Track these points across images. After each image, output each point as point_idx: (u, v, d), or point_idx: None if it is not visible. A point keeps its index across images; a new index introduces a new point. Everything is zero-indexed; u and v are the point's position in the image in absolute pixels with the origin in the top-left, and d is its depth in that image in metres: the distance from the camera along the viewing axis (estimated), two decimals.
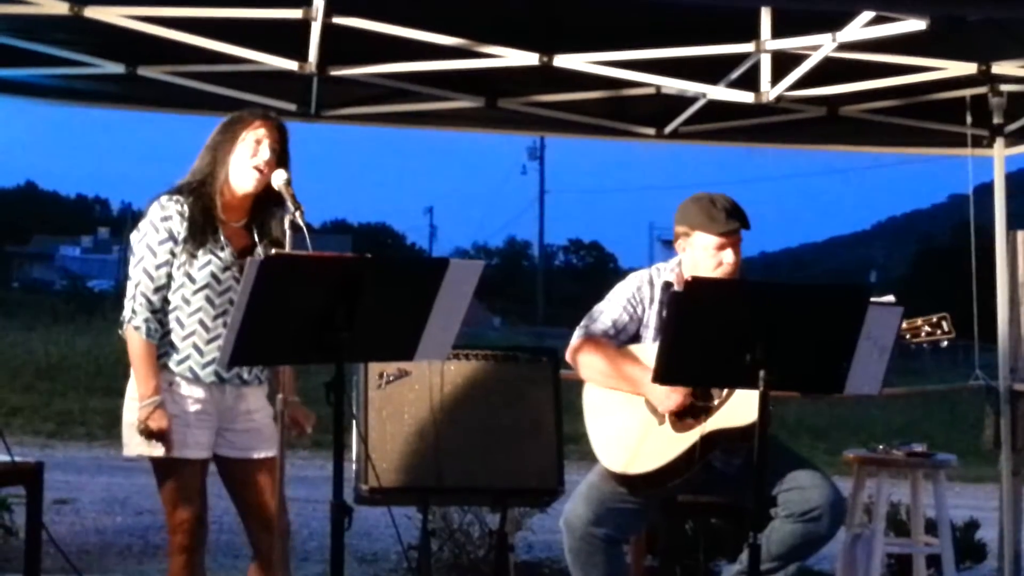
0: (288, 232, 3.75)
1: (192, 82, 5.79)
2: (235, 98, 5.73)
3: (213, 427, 3.92)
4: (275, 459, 3.96)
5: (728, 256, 4.24)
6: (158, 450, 3.81)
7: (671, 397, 4.09)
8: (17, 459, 4.42)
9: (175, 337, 3.88)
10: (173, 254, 3.86)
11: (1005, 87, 5.80)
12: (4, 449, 4.34)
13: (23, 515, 4.64)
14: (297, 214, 3.77)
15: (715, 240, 4.23)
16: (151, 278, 3.86)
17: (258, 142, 3.89)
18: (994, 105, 5.92)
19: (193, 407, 3.88)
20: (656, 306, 4.37)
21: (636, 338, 4.38)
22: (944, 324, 4.06)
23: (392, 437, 4.86)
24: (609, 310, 4.39)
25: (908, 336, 4.05)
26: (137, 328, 3.85)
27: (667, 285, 4.37)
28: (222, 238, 3.89)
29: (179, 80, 5.78)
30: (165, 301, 3.88)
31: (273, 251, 3.86)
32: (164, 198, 3.90)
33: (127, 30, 4.94)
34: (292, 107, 6.02)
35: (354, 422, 4.69)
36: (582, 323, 4.41)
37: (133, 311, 3.86)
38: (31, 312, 27.12)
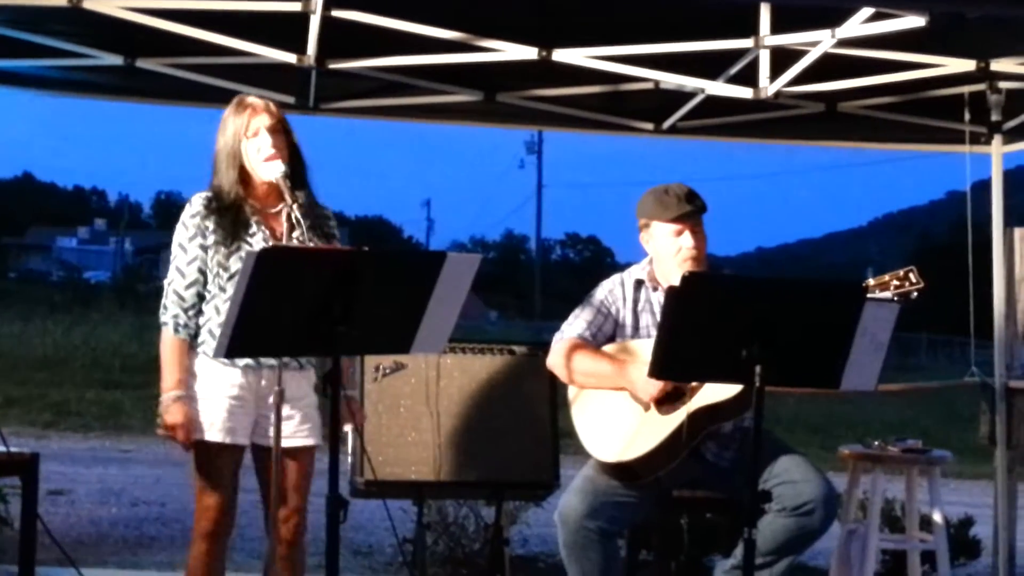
0: (284, 225, 3.79)
1: (190, 74, 5.78)
2: (233, 90, 5.70)
3: (251, 414, 3.93)
4: (311, 449, 3.97)
5: (687, 240, 4.25)
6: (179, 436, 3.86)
7: (652, 384, 4.10)
8: (13, 450, 4.42)
9: (212, 324, 3.91)
10: (203, 248, 3.90)
11: (1003, 84, 5.80)
12: (0, 439, 4.34)
13: (18, 506, 4.64)
14: (294, 207, 3.80)
15: (671, 227, 4.26)
16: (182, 275, 3.91)
17: (255, 134, 3.91)
18: (992, 102, 5.93)
19: (230, 391, 3.91)
20: (630, 304, 4.39)
21: (612, 339, 4.39)
22: (912, 276, 4.04)
23: (388, 430, 4.88)
24: (583, 315, 4.40)
25: (878, 292, 4.05)
26: (165, 324, 3.92)
27: (638, 283, 4.39)
28: (254, 226, 3.92)
29: (177, 72, 5.77)
30: (200, 296, 3.92)
31: (271, 243, 3.88)
32: (195, 196, 3.97)
33: (125, 22, 4.93)
34: (291, 100, 6.02)
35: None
36: (559, 331, 4.42)
37: (164, 307, 3.93)
38: (27, 303, 27.12)
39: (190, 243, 3.92)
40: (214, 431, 3.89)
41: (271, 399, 3.89)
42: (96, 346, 19.47)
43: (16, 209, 62.56)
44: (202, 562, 3.95)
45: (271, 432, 3.91)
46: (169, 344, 3.91)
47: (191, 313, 3.91)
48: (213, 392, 3.90)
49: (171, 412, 3.85)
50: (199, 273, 3.91)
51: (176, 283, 3.92)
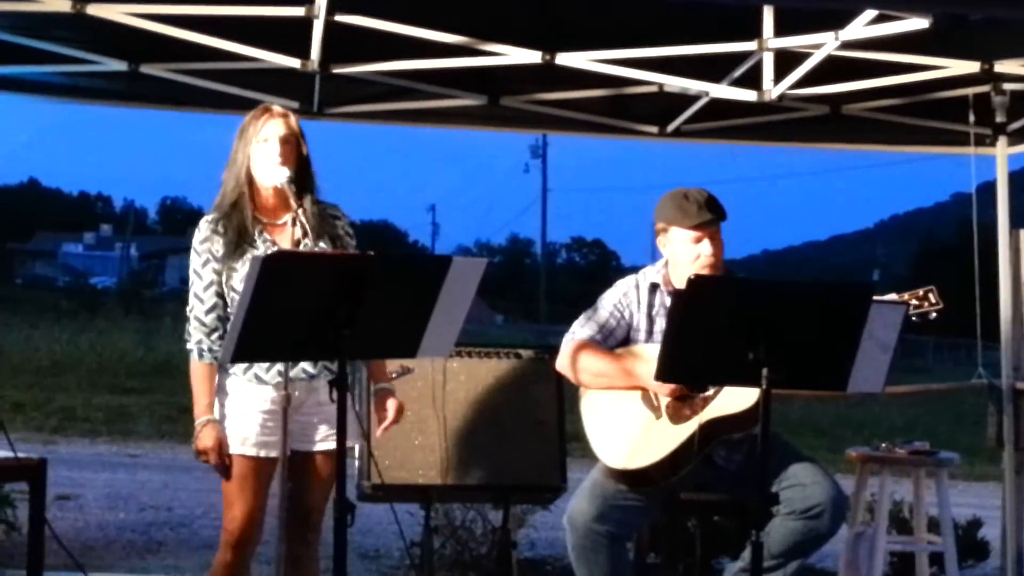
0: (291, 232, 3.81)
1: (194, 80, 5.79)
2: (238, 96, 5.74)
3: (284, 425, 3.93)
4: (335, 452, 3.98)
5: (705, 248, 4.24)
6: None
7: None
8: (20, 455, 4.42)
9: None
10: (217, 273, 3.93)
11: (1008, 86, 5.80)
12: (7, 445, 4.34)
13: (26, 511, 4.64)
14: (299, 212, 3.80)
15: (690, 234, 4.25)
16: (201, 301, 3.95)
17: (266, 140, 3.91)
18: (997, 104, 5.92)
19: (263, 405, 3.92)
20: (644, 308, 4.38)
21: (626, 342, 4.39)
22: (931, 296, 4.05)
23: (395, 434, 4.86)
24: (596, 316, 4.39)
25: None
26: (191, 351, 3.96)
27: (653, 287, 4.38)
28: (261, 244, 3.93)
29: (181, 78, 5.78)
30: (222, 319, 3.93)
31: (274, 248, 3.88)
32: (202, 220, 4.00)
33: (130, 27, 4.95)
34: (295, 105, 6.01)
35: (357, 419, 4.69)
36: (570, 330, 4.41)
37: (188, 334, 3.97)
38: (34, 309, 27.15)
39: (203, 268, 3.95)
40: (248, 446, 3.92)
41: (304, 406, 3.94)
42: (102, 351, 19.47)
43: (22, 215, 62.62)
44: (226, 572, 3.97)
45: (307, 435, 3.97)
46: (196, 370, 3.95)
47: (214, 337, 3.93)
48: (246, 408, 3.92)
49: (202, 437, 3.89)
50: (217, 296, 3.94)
51: (196, 310, 3.95)
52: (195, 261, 3.97)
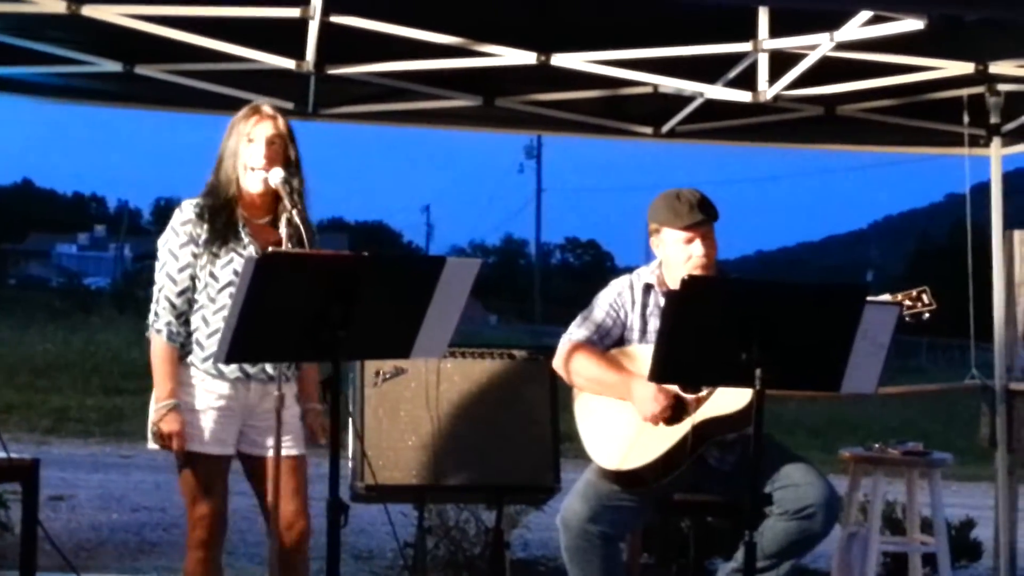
0: (283, 231, 3.80)
1: (189, 80, 5.79)
2: (232, 96, 5.73)
3: (237, 423, 3.94)
4: (299, 458, 3.98)
5: (697, 248, 4.24)
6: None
7: (652, 404, 4.09)
8: (13, 456, 4.42)
9: (200, 335, 3.91)
10: (195, 256, 3.90)
11: (1002, 87, 5.81)
12: (0, 446, 4.34)
13: (19, 512, 4.64)
14: (294, 213, 3.80)
15: (682, 234, 4.25)
16: (174, 282, 3.91)
17: (251, 140, 3.91)
18: (991, 105, 5.94)
19: (217, 403, 3.91)
20: (639, 308, 4.38)
21: (621, 342, 4.39)
22: (924, 297, 4.06)
23: (388, 435, 4.88)
24: (592, 317, 4.39)
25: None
26: (159, 331, 3.91)
27: (647, 287, 4.38)
28: (244, 236, 3.92)
29: (176, 78, 5.78)
30: (190, 303, 3.91)
31: (269, 248, 3.88)
32: (185, 202, 3.96)
33: (124, 28, 4.94)
34: (290, 105, 6.02)
35: (350, 420, 4.70)
36: (567, 331, 4.42)
37: (156, 314, 3.92)
38: (27, 309, 27.07)
39: (181, 250, 3.91)
40: (203, 442, 3.90)
41: (258, 410, 3.92)
42: (96, 352, 19.44)
43: (16, 215, 62.52)
44: (199, 570, 3.96)
45: (260, 440, 3.95)
46: (162, 352, 3.90)
47: (182, 320, 3.91)
48: (201, 403, 3.90)
49: (167, 421, 3.85)
50: (190, 280, 3.91)
51: (167, 289, 3.91)
52: (172, 241, 3.92)
